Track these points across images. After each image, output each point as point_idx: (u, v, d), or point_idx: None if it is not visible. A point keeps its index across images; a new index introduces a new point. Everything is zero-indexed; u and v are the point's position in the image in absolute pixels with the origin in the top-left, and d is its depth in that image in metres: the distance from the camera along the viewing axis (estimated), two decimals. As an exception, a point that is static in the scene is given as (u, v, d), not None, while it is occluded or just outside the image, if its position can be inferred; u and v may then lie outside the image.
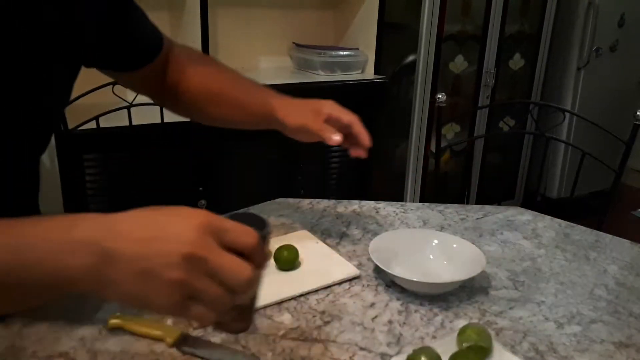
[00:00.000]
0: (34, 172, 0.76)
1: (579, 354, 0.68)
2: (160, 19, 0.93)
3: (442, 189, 2.53)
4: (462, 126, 2.55)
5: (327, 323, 0.72)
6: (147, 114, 1.56)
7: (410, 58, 2.32)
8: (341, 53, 2.30)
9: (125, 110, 1.46)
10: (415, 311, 0.76)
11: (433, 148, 2.38)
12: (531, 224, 1.06)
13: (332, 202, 1.11)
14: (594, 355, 0.68)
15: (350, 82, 2.24)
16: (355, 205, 1.11)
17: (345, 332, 0.70)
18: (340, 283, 0.81)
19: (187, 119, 0.98)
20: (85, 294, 0.47)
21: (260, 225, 0.51)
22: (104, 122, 1.48)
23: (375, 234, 0.97)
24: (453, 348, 0.65)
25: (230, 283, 0.45)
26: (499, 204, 1.28)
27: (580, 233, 1.03)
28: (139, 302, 0.46)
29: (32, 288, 0.47)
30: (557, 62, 2.76)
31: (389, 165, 2.53)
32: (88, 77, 0.90)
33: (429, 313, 0.75)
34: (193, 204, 1.93)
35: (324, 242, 0.93)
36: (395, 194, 2.49)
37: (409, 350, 0.64)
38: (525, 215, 1.09)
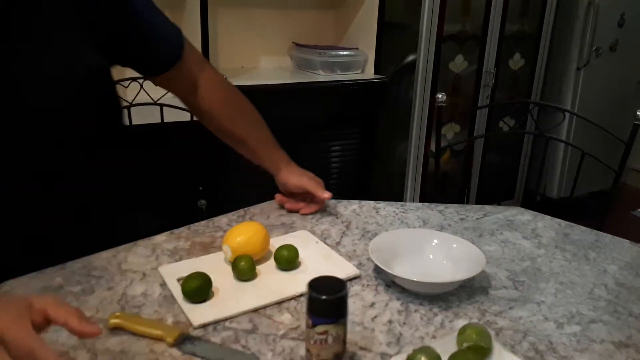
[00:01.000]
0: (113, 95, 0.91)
1: (578, 354, 0.68)
2: (160, 19, 0.93)
3: (442, 188, 2.53)
4: (462, 126, 2.54)
5: (327, 323, 0.72)
6: (147, 114, 1.56)
7: (410, 58, 2.32)
8: (341, 53, 2.30)
9: (125, 110, 1.46)
10: (415, 311, 0.76)
11: (433, 148, 2.38)
12: (531, 223, 1.06)
13: (332, 202, 1.11)
14: (593, 355, 0.68)
15: (350, 82, 2.24)
16: (355, 205, 1.11)
17: (345, 332, 0.70)
18: (340, 283, 0.81)
19: (187, 119, 0.98)
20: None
21: (339, 287, 0.59)
22: (104, 122, 1.47)
23: (375, 234, 0.97)
24: (453, 348, 0.65)
25: None
26: (499, 204, 1.28)
27: (580, 233, 1.03)
28: None
29: None
30: (557, 62, 2.75)
31: (389, 165, 2.53)
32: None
33: (429, 313, 0.75)
34: (193, 204, 1.94)
35: (324, 242, 0.93)
36: (395, 194, 2.49)
37: (408, 350, 0.64)
38: (525, 215, 1.10)
